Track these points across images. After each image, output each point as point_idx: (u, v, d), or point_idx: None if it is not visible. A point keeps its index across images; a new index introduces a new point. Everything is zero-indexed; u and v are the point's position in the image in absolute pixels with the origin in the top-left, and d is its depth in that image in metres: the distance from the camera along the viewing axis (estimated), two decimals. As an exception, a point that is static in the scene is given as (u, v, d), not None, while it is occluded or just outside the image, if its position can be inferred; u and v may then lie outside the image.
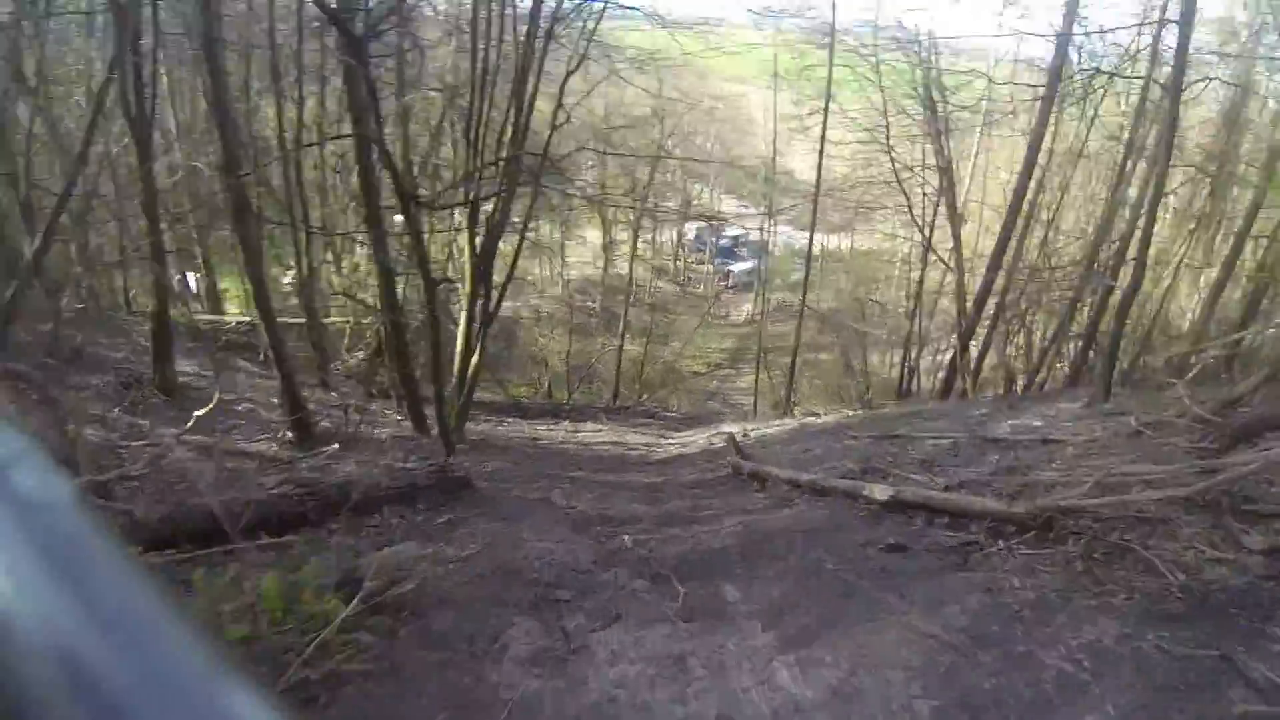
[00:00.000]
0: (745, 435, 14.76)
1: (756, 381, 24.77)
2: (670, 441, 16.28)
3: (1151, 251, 17.33)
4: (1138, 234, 11.42)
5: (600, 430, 17.44)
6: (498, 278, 14.20)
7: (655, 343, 29.59)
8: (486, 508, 7.28)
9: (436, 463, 8.81)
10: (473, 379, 13.47)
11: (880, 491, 6.17)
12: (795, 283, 49.46)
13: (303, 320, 15.07)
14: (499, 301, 13.88)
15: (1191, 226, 17.37)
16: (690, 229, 54.00)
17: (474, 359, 13.36)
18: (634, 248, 25.80)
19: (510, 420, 17.94)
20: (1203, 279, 17.50)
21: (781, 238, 48.90)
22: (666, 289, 49.91)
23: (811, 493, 7.24)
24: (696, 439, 16.19)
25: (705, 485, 9.39)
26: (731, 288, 51.02)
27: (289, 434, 9.95)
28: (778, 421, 17.57)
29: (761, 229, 50.23)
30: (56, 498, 0.44)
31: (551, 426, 17.57)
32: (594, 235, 45.22)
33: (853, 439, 10.87)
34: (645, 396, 23.70)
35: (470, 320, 13.31)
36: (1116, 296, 11.95)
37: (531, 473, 10.56)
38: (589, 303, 44.27)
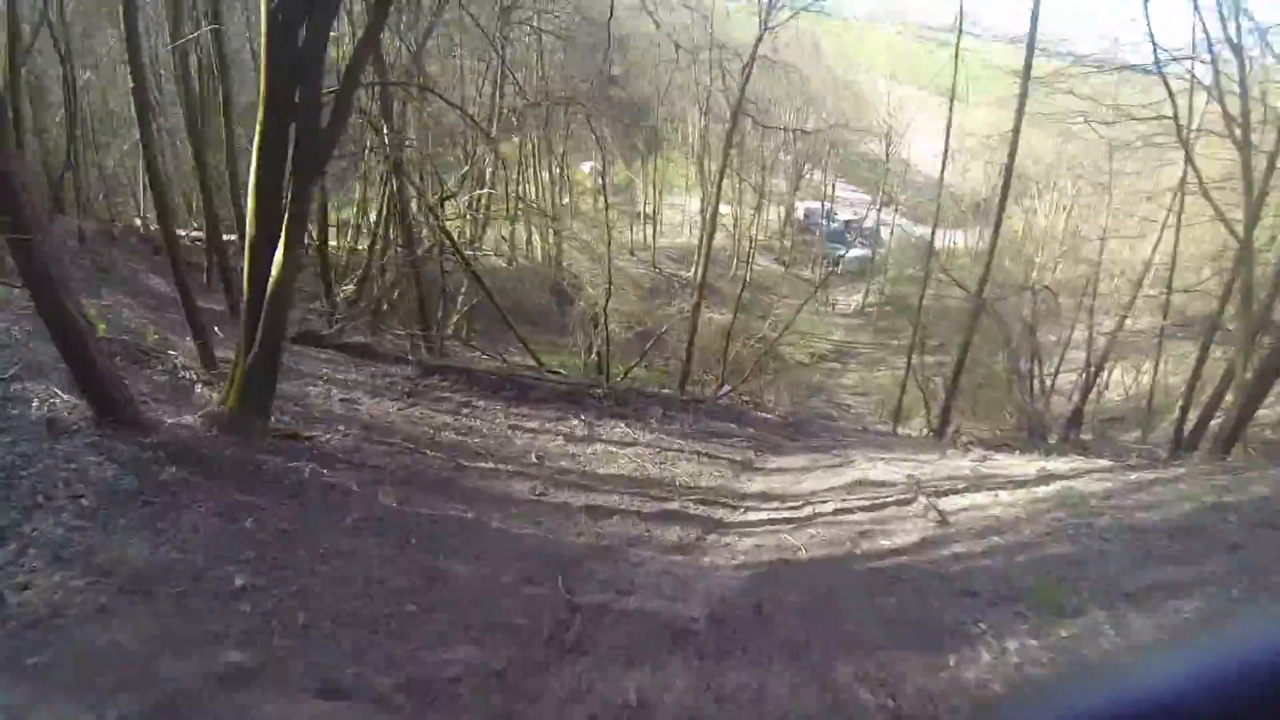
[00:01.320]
0: (930, 506, 5.68)
1: (904, 386, 14.92)
2: (756, 490, 7.30)
3: None
4: None
5: (632, 442, 8.56)
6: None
7: (749, 315, 20.00)
8: None
9: None
10: (276, 304, 4.75)
11: None
12: (911, 276, 40.49)
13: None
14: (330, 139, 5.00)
15: None
16: (801, 208, 45.16)
17: (278, 264, 4.65)
18: (719, 187, 15.58)
19: (500, 401, 9.33)
20: None
21: (895, 228, 39.85)
22: (769, 267, 40.76)
23: None
24: (815, 492, 7.16)
25: None
26: (840, 274, 41.74)
27: None
28: (964, 463, 8.40)
29: (878, 211, 40.97)
30: None
31: (549, 423, 8.86)
32: (694, 204, 37.22)
33: None
34: (728, 386, 14.42)
35: (262, 179, 4.61)
36: None
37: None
38: (682, 271, 35.77)
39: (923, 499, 5.98)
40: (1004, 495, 6.29)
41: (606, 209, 17.79)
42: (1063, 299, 17.84)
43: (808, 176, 47.62)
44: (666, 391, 13.08)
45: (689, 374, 13.75)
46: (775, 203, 44.48)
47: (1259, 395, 9.54)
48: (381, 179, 14.70)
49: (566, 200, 33.64)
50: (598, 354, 15.59)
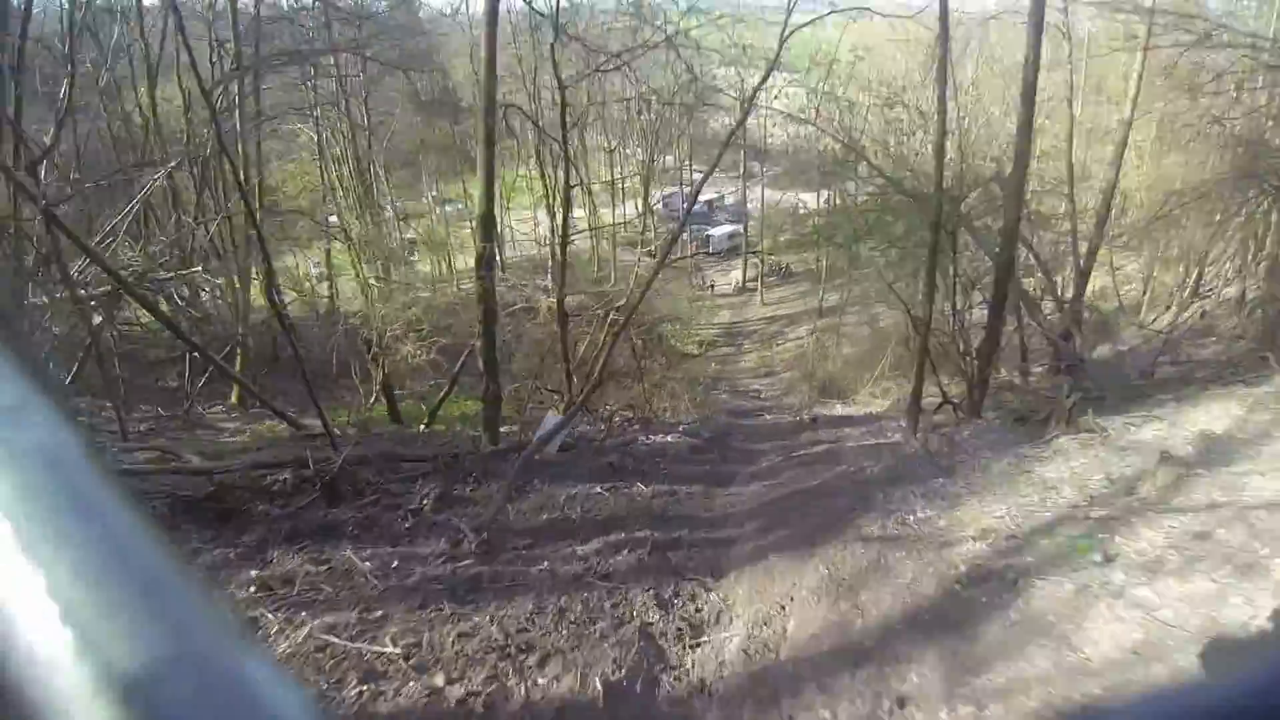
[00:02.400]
0: None
1: (923, 345, 7.44)
2: None
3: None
4: None
5: None
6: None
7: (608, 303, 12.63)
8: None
9: None
10: None
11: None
12: (785, 242, 36.01)
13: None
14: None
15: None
16: (657, 196, 39.87)
17: None
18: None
19: None
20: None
21: (755, 200, 34.73)
22: (635, 259, 34.84)
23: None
24: None
25: None
26: (710, 254, 36.75)
27: None
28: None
29: (743, 184, 35.72)
30: (66, 448, 0.33)
31: None
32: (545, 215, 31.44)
33: None
34: (592, 404, 7.69)
35: None
36: None
37: None
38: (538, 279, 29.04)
39: None
40: None
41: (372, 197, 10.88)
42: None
43: (660, 162, 42.69)
44: (474, 437, 6.58)
45: (498, 392, 6.46)
46: (631, 196, 39.15)
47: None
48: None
49: (411, 235, 27.06)
50: (379, 391, 8.91)
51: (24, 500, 0.30)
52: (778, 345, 26.48)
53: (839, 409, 13.29)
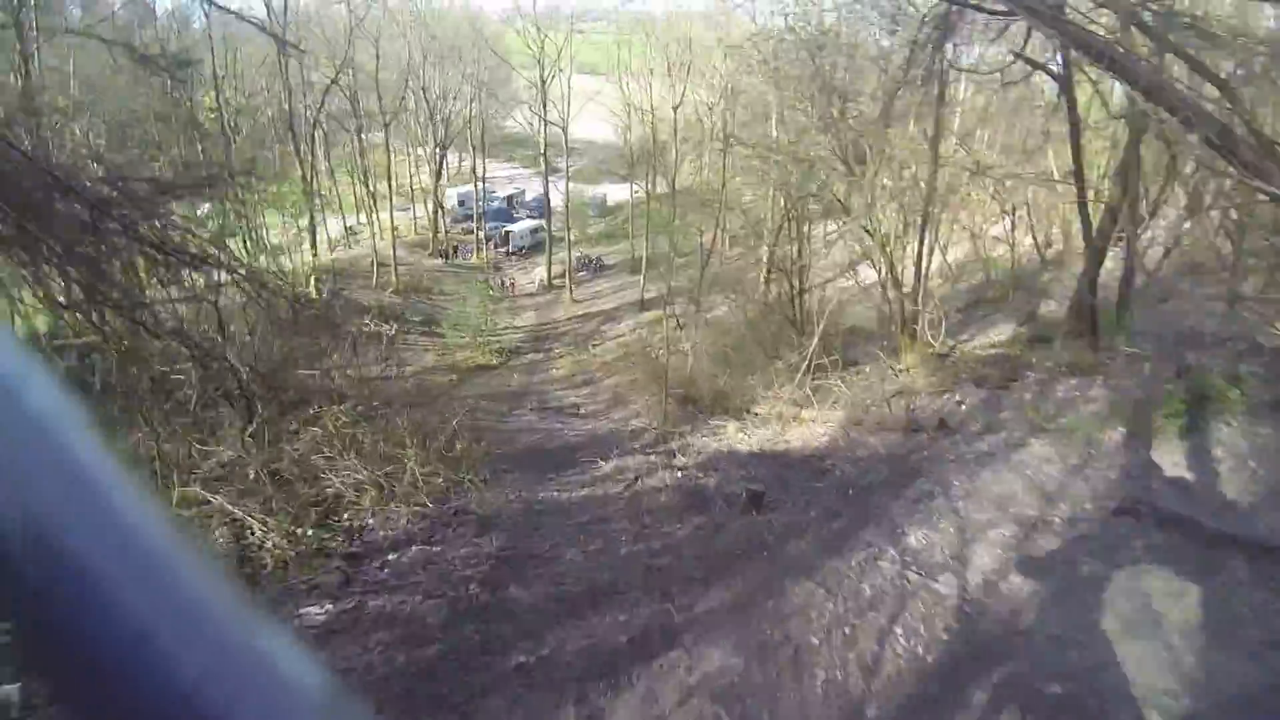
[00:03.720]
0: None
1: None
2: None
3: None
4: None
5: None
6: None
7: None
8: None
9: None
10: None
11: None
12: (594, 235, 32.08)
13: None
14: None
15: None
16: (452, 194, 34.68)
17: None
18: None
19: None
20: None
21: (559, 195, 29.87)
22: (424, 262, 29.39)
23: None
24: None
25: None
26: (511, 252, 31.76)
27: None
28: None
29: (545, 179, 30.56)
30: (69, 417, 0.33)
31: None
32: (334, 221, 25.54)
33: None
34: None
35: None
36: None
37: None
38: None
39: None
40: None
41: None
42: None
43: (456, 161, 37.43)
44: None
45: None
46: (420, 199, 33.49)
47: None
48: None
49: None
50: None
51: (32, 465, 0.29)
52: (595, 346, 21.54)
53: (738, 435, 8.50)
